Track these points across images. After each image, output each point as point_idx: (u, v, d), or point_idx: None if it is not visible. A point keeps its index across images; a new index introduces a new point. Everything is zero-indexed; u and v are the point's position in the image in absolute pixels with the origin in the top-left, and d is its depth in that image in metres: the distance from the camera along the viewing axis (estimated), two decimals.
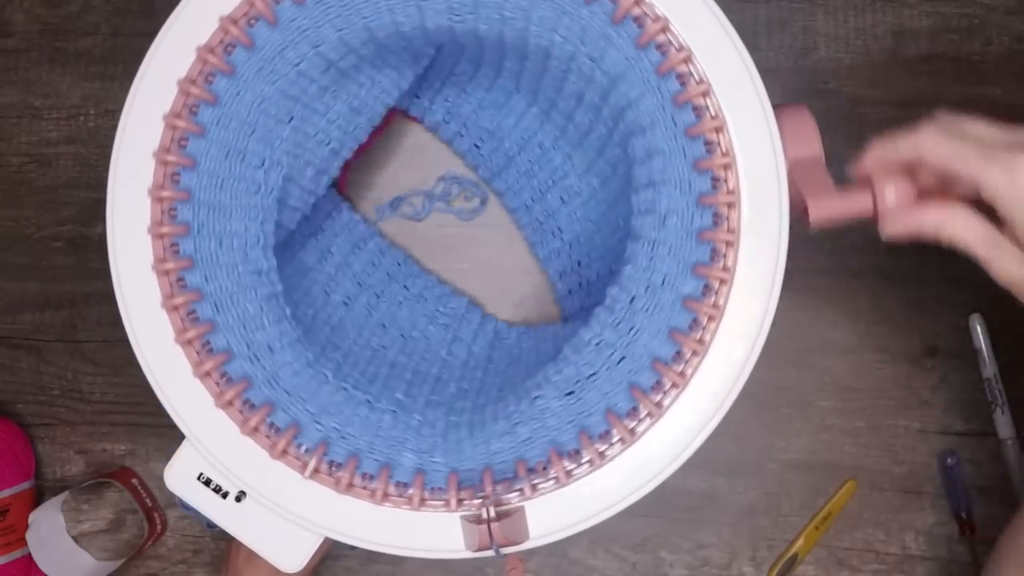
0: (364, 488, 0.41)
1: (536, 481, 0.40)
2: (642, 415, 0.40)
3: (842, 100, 0.59)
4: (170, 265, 0.40)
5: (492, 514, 0.39)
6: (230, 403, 0.41)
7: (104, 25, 0.61)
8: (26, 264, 0.61)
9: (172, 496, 0.44)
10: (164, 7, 0.61)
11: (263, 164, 0.42)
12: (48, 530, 0.56)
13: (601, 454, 0.40)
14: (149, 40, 0.60)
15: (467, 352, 0.55)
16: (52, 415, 0.60)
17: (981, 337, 0.58)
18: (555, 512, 0.40)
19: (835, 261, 0.59)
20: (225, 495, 0.43)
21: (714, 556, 0.58)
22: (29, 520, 0.57)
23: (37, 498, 0.59)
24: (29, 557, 0.57)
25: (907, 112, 0.59)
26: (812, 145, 0.41)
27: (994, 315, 0.58)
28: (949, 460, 0.57)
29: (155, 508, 0.59)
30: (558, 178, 0.56)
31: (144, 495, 0.59)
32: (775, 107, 0.41)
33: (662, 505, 0.58)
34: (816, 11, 0.60)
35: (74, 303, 0.60)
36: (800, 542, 0.58)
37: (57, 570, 0.55)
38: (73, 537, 0.55)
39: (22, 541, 0.57)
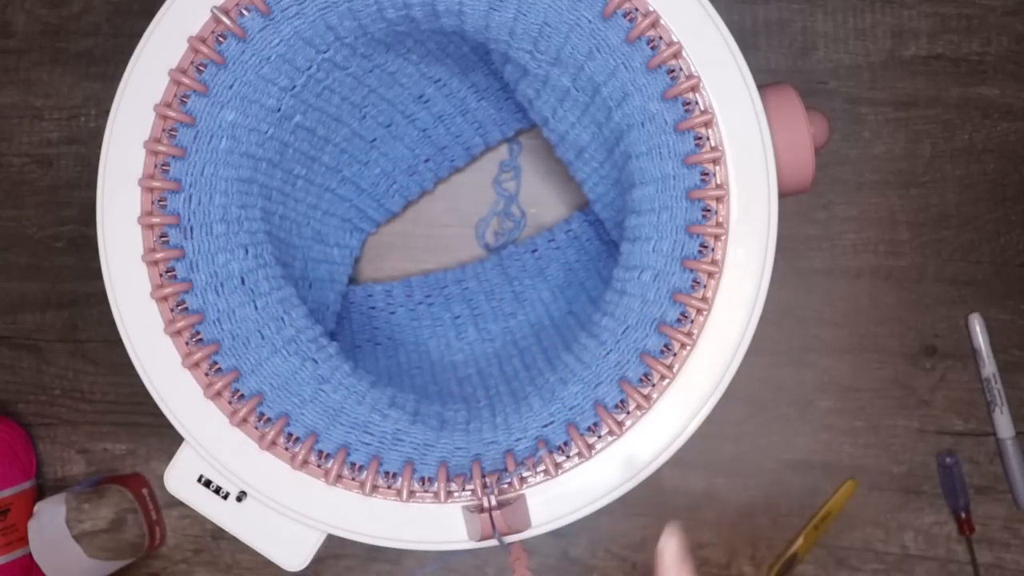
0: (353, 479, 0.41)
1: (527, 473, 0.40)
2: (630, 406, 0.40)
3: (842, 100, 0.59)
4: (159, 255, 0.40)
5: (494, 503, 0.39)
6: (219, 394, 0.41)
7: (105, 25, 0.61)
8: (27, 264, 0.61)
9: (172, 496, 0.44)
10: None
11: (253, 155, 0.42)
12: (49, 519, 0.56)
13: (590, 446, 0.40)
14: None
15: (468, 351, 0.55)
16: (53, 415, 0.61)
17: (980, 337, 0.58)
18: (556, 499, 0.41)
19: (835, 261, 0.59)
20: (226, 496, 0.43)
21: (713, 556, 0.59)
22: (35, 509, 0.57)
23: (38, 498, 0.59)
24: (30, 557, 0.57)
25: (907, 112, 0.59)
26: (798, 124, 0.42)
27: (993, 315, 0.58)
28: (948, 459, 0.57)
29: (158, 521, 0.59)
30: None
31: (151, 506, 0.59)
32: (760, 88, 0.41)
33: (662, 505, 0.59)
34: (815, 12, 0.60)
35: (75, 303, 0.61)
36: (799, 542, 0.58)
37: (49, 562, 0.55)
38: (74, 536, 0.55)
39: (23, 540, 0.57)
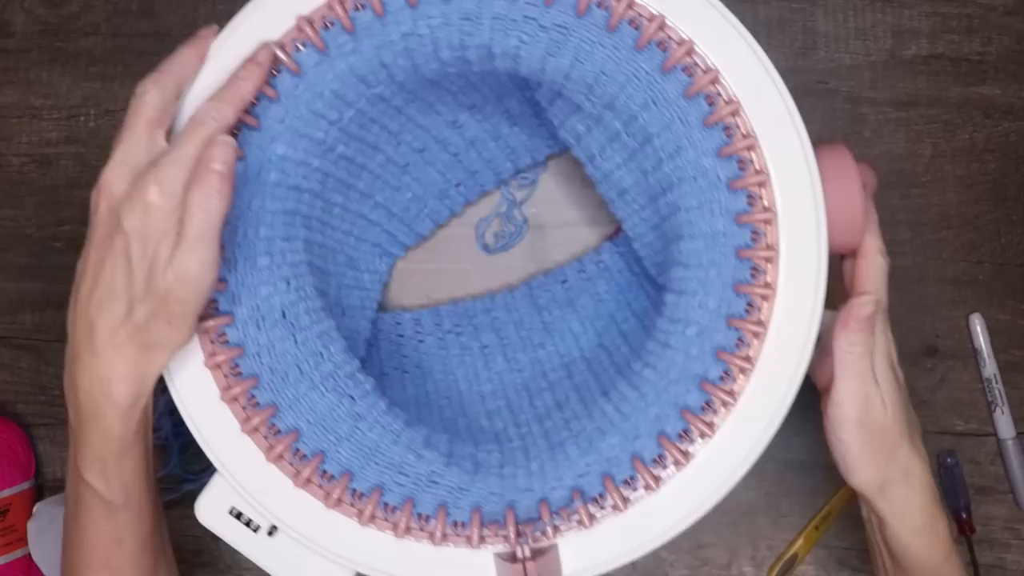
0: (386, 520, 0.40)
1: (560, 522, 0.40)
2: (668, 462, 0.40)
3: (842, 100, 0.59)
4: None
5: (527, 553, 0.39)
6: (256, 429, 0.40)
7: (104, 25, 0.61)
8: (26, 264, 0.61)
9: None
10: (164, 7, 0.61)
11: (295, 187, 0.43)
12: (48, 520, 0.56)
13: (625, 499, 0.40)
14: (149, 40, 0.61)
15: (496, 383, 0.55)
16: (52, 415, 0.60)
17: (981, 337, 0.58)
18: (587, 549, 0.40)
19: (835, 261, 0.59)
20: (256, 529, 0.42)
21: (714, 556, 0.58)
22: (34, 509, 0.57)
23: (37, 498, 0.59)
24: (29, 557, 0.57)
25: (907, 112, 0.59)
26: (851, 186, 0.41)
27: (994, 315, 0.58)
28: (948, 460, 0.57)
29: None
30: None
31: None
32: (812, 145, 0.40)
33: None
34: (816, 11, 0.60)
35: None
36: (800, 542, 0.58)
37: (48, 563, 0.55)
38: None
39: (22, 541, 0.57)
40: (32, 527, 0.56)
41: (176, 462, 0.57)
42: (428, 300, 0.59)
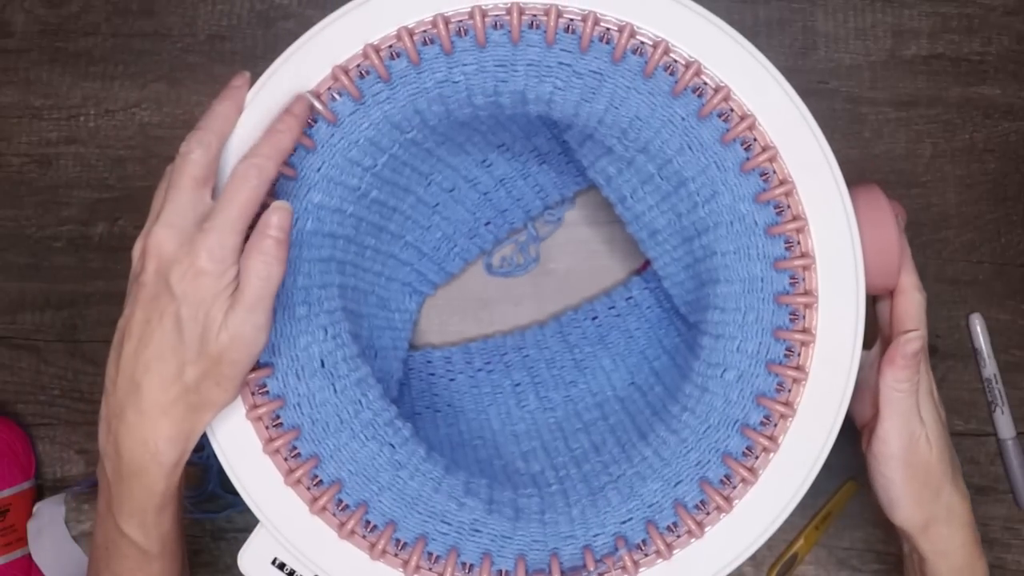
0: (431, 570, 0.40)
1: (604, 570, 0.40)
2: (711, 507, 0.40)
3: (842, 100, 0.59)
4: None
5: None
6: (299, 481, 0.40)
7: (104, 25, 0.61)
8: (26, 264, 0.61)
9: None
10: (164, 7, 0.61)
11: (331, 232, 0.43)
12: (48, 520, 0.56)
13: (669, 546, 0.40)
14: (149, 40, 0.61)
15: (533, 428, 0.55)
16: (52, 415, 0.60)
17: (981, 337, 0.58)
18: None
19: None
20: None
21: None
22: (34, 509, 0.57)
23: (37, 498, 0.59)
24: (29, 557, 0.57)
25: (907, 112, 0.59)
26: (887, 228, 0.41)
27: (994, 315, 0.58)
28: None
29: None
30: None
31: None
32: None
33: None
34: (816, 11, 0.60)
35: (74, 303, 0.60)
36: (800, 542, 0.58)
37: (48, 562, 0.55)
38: (73, 537, 0.55)
39: (22, 541, 0.57)
40: (32, 527, 0.56)
41: (216, 482, 0.57)
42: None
